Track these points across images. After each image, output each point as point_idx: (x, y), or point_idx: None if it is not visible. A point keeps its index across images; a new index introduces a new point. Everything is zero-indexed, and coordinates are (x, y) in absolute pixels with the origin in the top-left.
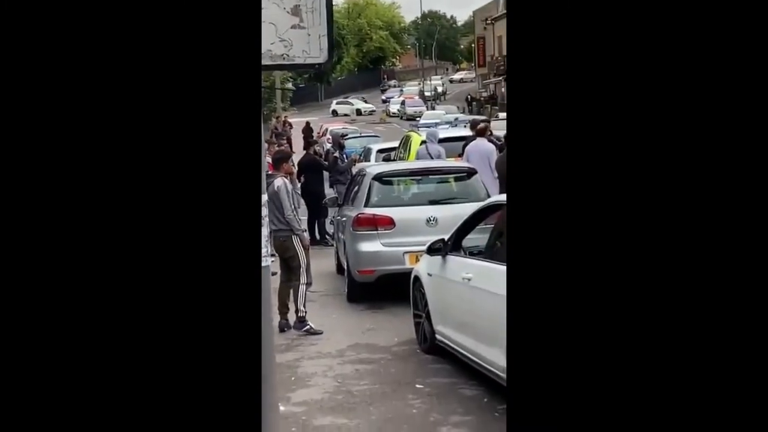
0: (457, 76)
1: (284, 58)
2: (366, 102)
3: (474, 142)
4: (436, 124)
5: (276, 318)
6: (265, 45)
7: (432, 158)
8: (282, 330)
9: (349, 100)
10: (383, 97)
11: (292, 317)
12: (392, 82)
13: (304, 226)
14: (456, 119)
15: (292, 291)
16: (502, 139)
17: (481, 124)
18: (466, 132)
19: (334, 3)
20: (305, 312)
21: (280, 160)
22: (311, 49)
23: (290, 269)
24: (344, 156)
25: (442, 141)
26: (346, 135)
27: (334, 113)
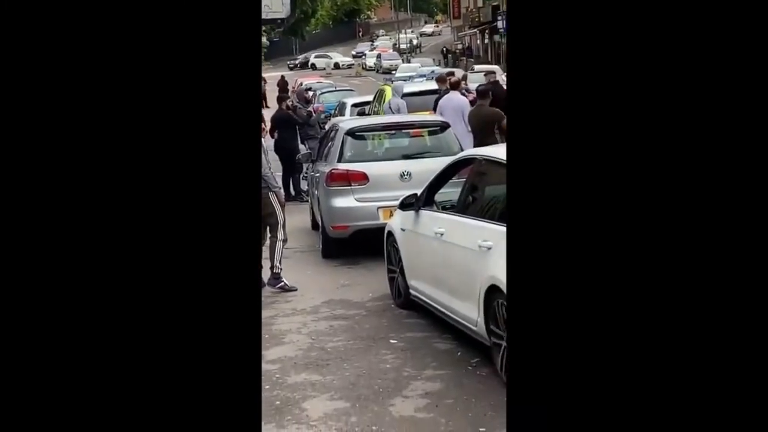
0: (427, 29)
1: None
2: (361, 55)
3: (447, 95)
4: (411, 78)
5: None
6: None
7: (393, 112)
8: None
9: (328, 53)
10: (353, 52)
11: (266, 274)
12: (380, 32)
13: (279, 182)
14: (432, 72)
15: (267, 248)
16: (474, 92)
17: (453, 78)
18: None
19: None
20: (281, 269)
21: None
22: (273, 3)
23: (267, 226)
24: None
25: (415, 95)
26: (311, 89)
27: (313, 67)
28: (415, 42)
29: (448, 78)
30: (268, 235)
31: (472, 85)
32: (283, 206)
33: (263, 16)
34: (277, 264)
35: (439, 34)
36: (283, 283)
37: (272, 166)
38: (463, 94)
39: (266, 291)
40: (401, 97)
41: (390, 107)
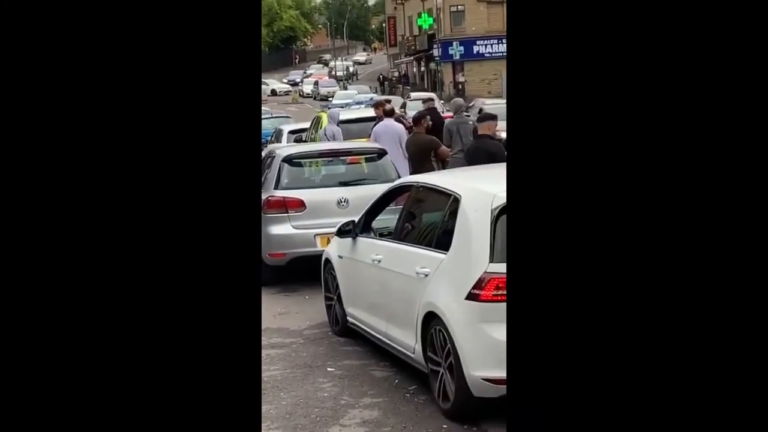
0: (359, 57)
1: None
2: (295, 84)
3: (383, 122)
4: (348, 105)
5: None
6: None
7: (328, 140)
8: None
9: (265, 80)
10: (285, 80)
11: None
12: (327, 56)
13: None
14: (371, 99)
15: None
16: (411, 120)
17: (388, 105)
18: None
19: None
20: None
21: None
22: None
23: None
24: None
25: (352, 122)
26: None
27: None
28: (351, 69)
29: (387, 103)
30: None
31: (411, 113)
32: None
33: None
34: None
35: (370, 63)
36: None
37: None
38: (399, 121)
39: None
40: (337, 125)
41: (326, 134)
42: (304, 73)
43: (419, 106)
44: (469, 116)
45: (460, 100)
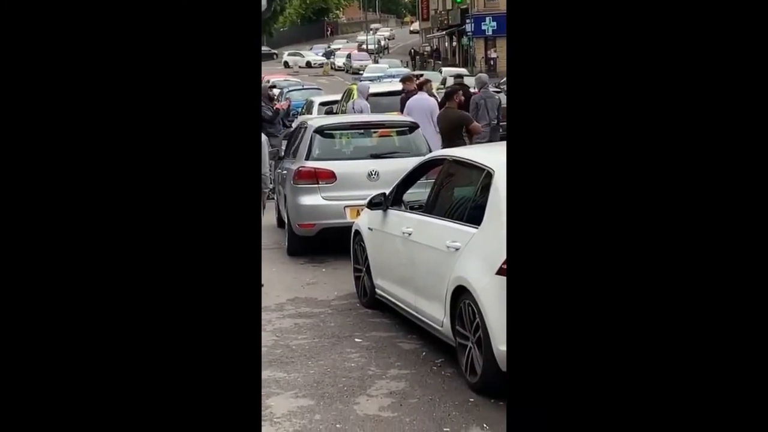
0: (383, 32)
1: None
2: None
3: (415, 96)
4: (379, 78)
5: None
6: None
7: (356, 113)
8: None
9: (299, 52)
10: (312, 52)
11: None
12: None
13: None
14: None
15: None
16: (442, 94)
17: (422, 78)
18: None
19: None
20: None
21: None
22: None
23: None
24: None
25: (382, 95)
26: (275, 86)
27: (286, 65)
28: (383, 43)
29: (415, 78)
30: None
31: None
32: (263, 207)
33: None
34: None
35: (392, 38)
36: None
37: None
38: (431, 95)
39: None
40: (366, 98)
41: (353, 108)
42: (328, 47)
43: (451, 82)
44: (500, 91)
45: (484, 75)
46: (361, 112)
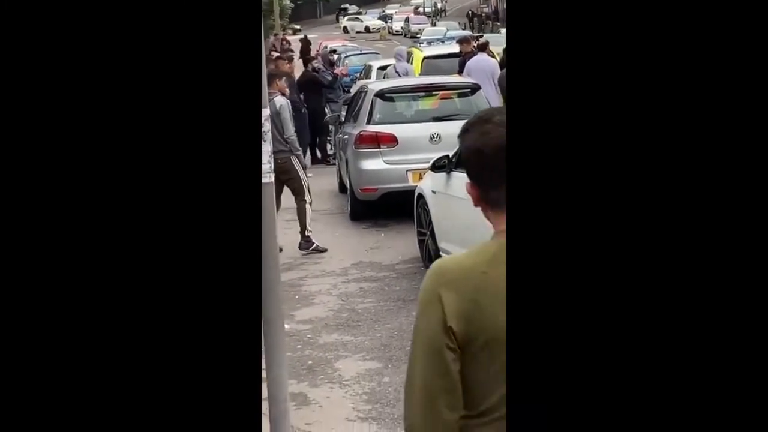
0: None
1: None
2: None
3: (475, 57)
4: (441, 40)
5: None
6: None
7: (399, 76)
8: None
9: (358, 17)
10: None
11: (290, 238)
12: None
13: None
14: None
15: (295, 212)
16: (503, 54)
17: (482, 39)
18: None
19: None
20: (311, 231)
21: (273, 77)
22: None
23: (292, 191)
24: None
25: (441, 57)
26: (335, 51)
27: (345, 30)
28: (439, 5)
29: (473, 39)
30: (295, 199)
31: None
32: (304, 168)
33: None
34: (308, 227)
35: (448, 0)
36: (315, 245)
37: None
38: (491, 56)
39: (297, 253)
40: (406, 61)
41: (397, 71)
42: (382, 11)
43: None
44: None
45: None
46: (406, 74)
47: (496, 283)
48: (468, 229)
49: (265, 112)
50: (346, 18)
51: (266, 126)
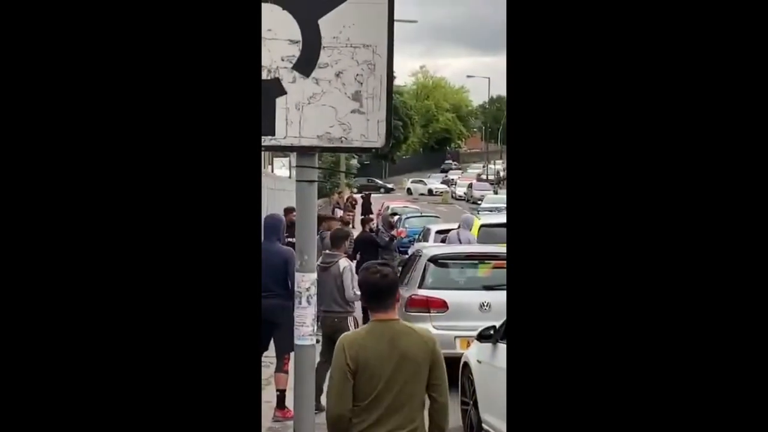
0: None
1: (342, 141)
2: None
3: None
4: (498, 209)
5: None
6: (324, 128)
7: (460, 243)
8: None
9: (421, 179)
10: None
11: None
12: (453, 163)
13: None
14: None
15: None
16: None
17: None
18: None
19: (403, 83)
20: None
21: (340, 239)
22: (369, 133)
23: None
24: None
25: (497, 226)
26: (396, 214)
27: (408, 191)
28: (502, 174)
29: None
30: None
31: None
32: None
33: (359, 145)
34: None
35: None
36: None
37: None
38: None
39: None
40: (470, 230)
41: (459, 239)
42: (445, 176)
43: None
44: None
45: None
46: (469, 242)
47: (372, 345)
48: None
49: (312, 276)
50: (410, 180)
51: (312, 290)
